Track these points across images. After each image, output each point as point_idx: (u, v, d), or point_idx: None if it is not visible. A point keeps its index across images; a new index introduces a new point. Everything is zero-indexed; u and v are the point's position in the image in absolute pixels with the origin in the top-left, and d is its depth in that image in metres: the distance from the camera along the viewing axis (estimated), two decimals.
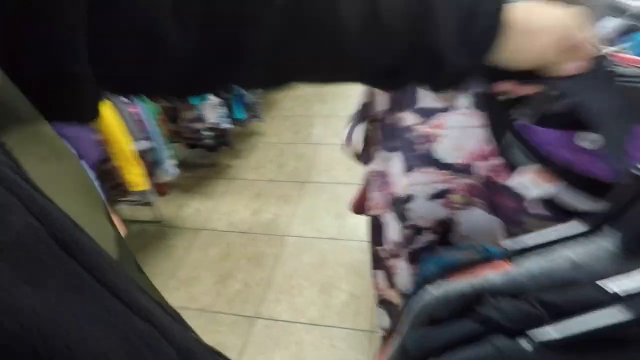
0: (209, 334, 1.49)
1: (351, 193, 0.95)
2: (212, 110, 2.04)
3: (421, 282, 0.42)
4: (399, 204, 0.56)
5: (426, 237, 0.57)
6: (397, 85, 0.37)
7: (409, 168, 0.53)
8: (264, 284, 1.70)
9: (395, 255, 0.62)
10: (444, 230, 0.56)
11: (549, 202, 0.45)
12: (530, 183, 0.44)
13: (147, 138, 1.57)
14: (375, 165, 0.66)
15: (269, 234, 1.94)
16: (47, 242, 0.15)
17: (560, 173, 0.43)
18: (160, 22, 0.27)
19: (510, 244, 0.38)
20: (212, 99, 2.06)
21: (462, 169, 0.51)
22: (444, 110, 0.50)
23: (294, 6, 0.29)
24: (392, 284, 0.67)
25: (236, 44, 0.29)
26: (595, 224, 0.34)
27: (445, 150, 0.51)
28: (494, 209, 0.51)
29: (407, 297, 0.45)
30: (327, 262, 1.77)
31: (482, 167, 0.50)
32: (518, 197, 0.46)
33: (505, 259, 0.37)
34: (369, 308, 1.55)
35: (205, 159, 2.47)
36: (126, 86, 0.31)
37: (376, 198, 0.67)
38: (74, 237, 0.16)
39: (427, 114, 0.50)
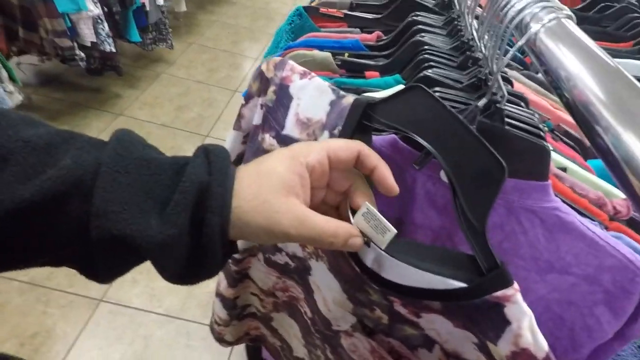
0: None
1: None
2: (88, 24, 1.56)
3: None
4: None
5: (284, 258, 0.58)
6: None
7: None
8: None
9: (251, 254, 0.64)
10: (301, 266, 0.56)
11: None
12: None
13: None
14: None
15: None
16: None
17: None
18: None
19: None
20: (92, 9, 1.57)
21: None
22: None
23: None
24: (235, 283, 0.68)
25: None
26: None
27: None
28: (336, 270, 0.50)
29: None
30: None
31: None
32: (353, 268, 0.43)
33: None
34: None
35: (87, 80, 1.99)
36: None
37: None
38: None
39: (289, 142, 0.50)
